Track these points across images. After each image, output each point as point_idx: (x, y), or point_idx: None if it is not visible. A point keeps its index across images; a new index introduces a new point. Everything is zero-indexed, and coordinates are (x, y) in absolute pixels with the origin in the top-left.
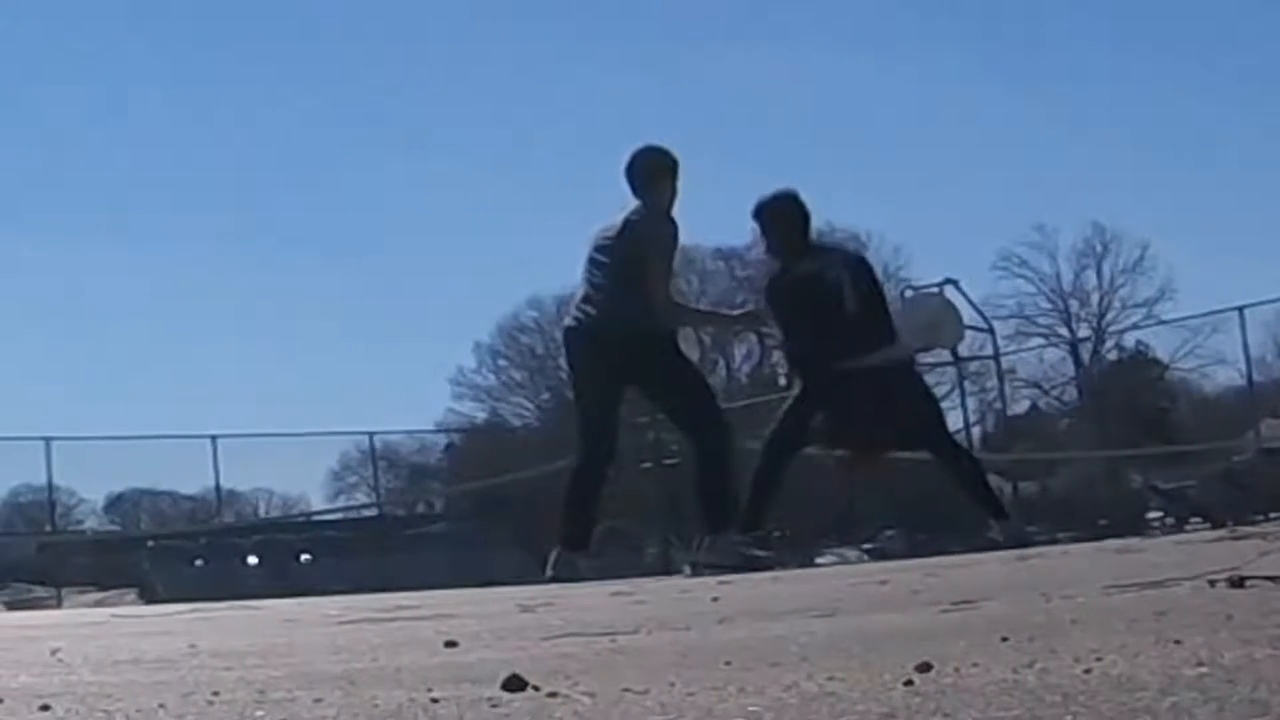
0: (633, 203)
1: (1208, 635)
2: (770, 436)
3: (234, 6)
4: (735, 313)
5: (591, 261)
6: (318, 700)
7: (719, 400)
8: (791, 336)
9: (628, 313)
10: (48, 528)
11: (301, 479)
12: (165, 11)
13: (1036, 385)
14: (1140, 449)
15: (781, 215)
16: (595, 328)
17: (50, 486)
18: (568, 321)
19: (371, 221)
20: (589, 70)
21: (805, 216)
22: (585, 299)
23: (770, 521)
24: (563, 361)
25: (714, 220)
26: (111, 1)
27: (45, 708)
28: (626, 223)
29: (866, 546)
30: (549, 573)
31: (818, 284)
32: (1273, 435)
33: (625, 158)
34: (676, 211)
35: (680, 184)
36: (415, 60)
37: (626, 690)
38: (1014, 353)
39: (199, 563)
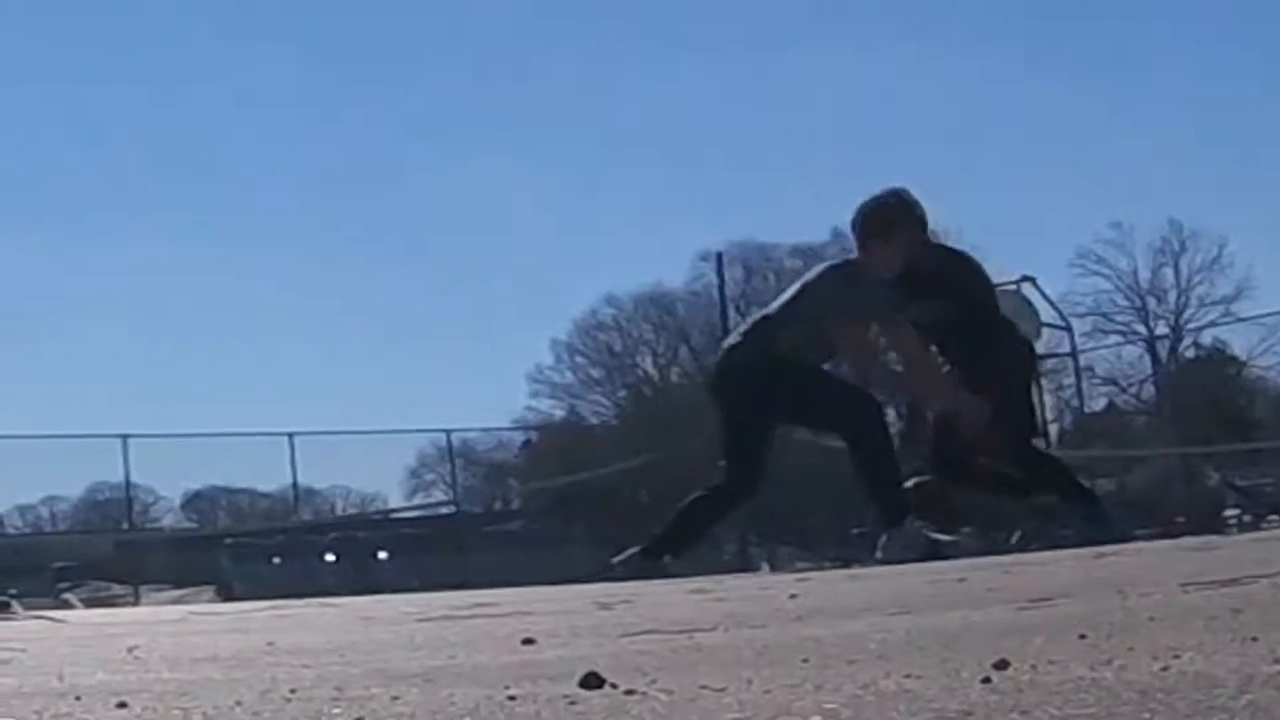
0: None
1: None
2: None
3: (311, 6)
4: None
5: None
6: (395, 698)
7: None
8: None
9: (751, 349)
10: (125, 525)
11: (379, 476)
12: (242, 13)
13: (1114, 383)
14: (1217, 446)
15: (893, 220)
16: (725, 368)
17: (128, 484)
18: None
19: (450, 219)
20: (666, 70)
21: (919, 213)
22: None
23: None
24: (641, 359)
25: (791, 218)
26: (185, 2)
27: (122, 705)
28: (811, 279)
29: (944, 541)
30: (614, 561)
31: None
32: None
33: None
34: (909, 255)
35: (912, 231)
36: (493, 60)
37: (704, 688)
38: (1091, 350)
39: (276, 560)
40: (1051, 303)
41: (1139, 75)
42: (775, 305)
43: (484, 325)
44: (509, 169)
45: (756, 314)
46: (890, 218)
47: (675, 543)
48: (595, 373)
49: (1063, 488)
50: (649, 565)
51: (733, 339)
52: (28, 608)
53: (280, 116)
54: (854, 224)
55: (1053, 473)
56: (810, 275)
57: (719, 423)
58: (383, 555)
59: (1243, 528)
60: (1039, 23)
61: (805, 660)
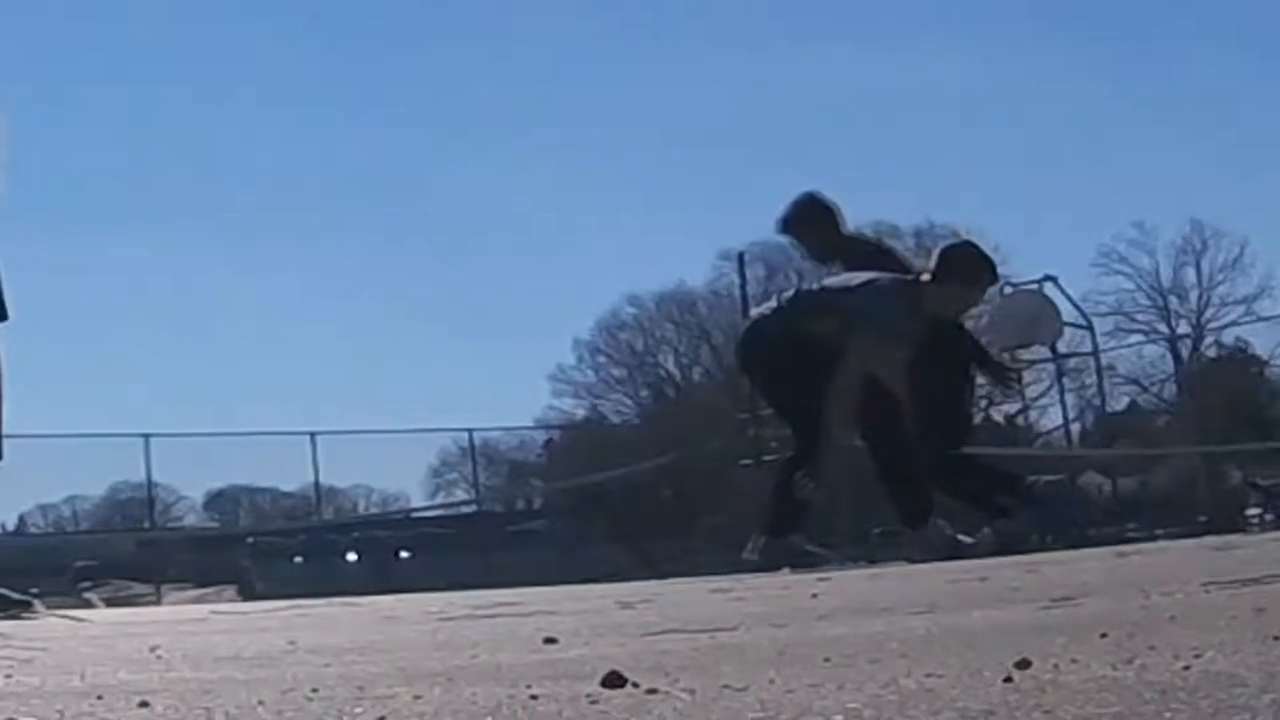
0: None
1: None
2: None
3: (340, 6)
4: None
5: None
6: (417, 697)
7: None
8: None
9: (780, 322)
10: (147, 524)
11: (401, 476)
12: (273, 12)
13: (1135, 382)
14: (1239, 445)
15: (810, 220)
16: (748, 340)
17: (149, 483)
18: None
19: (472, 219)
20: (688, 69)
21: (831, 212)
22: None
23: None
24: (663, 358)
25: None
26: (217, 5)
27: (144, 704)
28: (880, 282)
29: (966, 542)
30: (745, 556)
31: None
32: None
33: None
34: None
35: (987, 288)
36: (516, 60)
37: (726, 687)
38: (1113, 349)
39: (298, 559)
40: (1073, 302)
41: (1162, 75)
42: (822, 284)
43: (506, 324)
44: (530, 168)
45: (794, 289)
46: (980, 271)
47: (791, 518)
48: (617, 372)
49: (982, 496)
50: (783, 547)
51: (761, 310)
52: (50, 607)
53: (301, 116)
54: (944, 258)
55: (974, 480)
56: (880, 278)
57: (757, 392)
58: (405, 554)
59: (1264, 527)
60: (1063, 23)
61: (827, 659)
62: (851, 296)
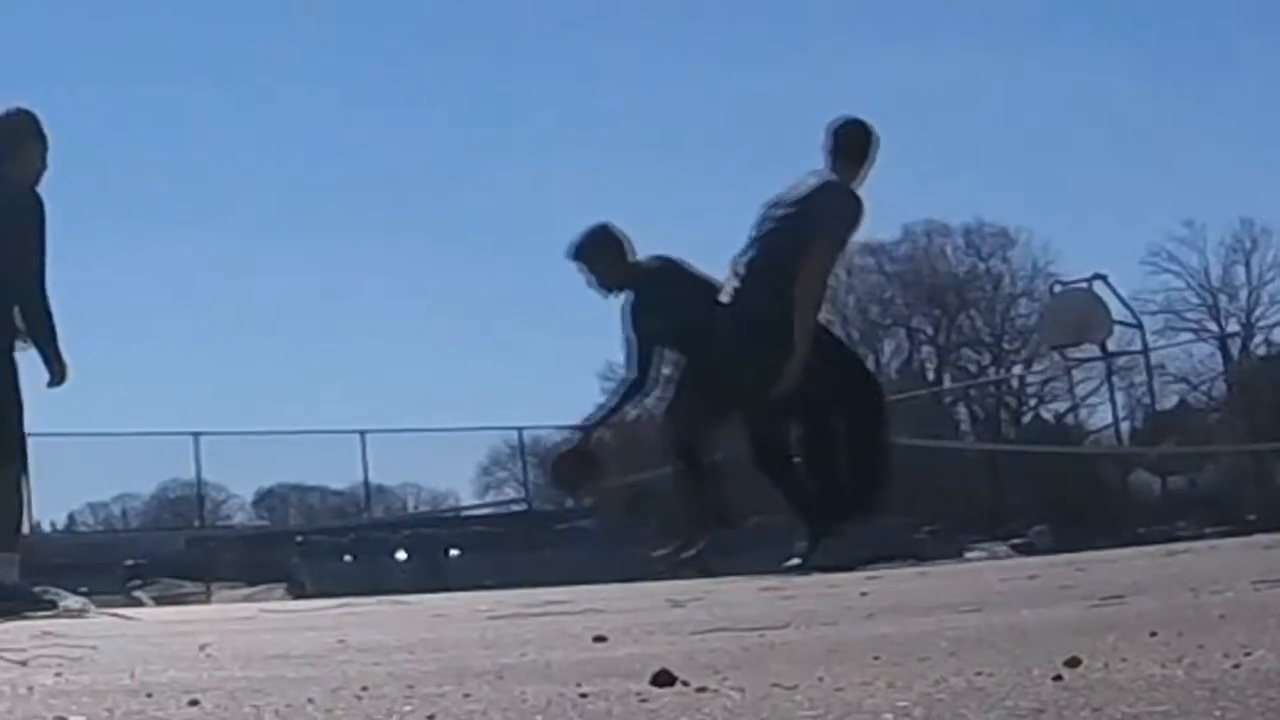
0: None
1: None
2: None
3: (384, 6)
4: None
5: (758, 228)
6: (467, 695)
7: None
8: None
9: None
10: (196, 523)
11: (450, 474)
12: (316, 11)
13: (1185, 380)
14: None
15: (600, 250)
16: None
17: (199, 482)
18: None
19: (520, 216)
20: (732, 68)
21: (620, 244)
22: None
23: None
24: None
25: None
26: (264, 3)
27: (194, 703)
28: (812, 189)
29: (1014, 541)
30: (809, 561)
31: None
32: None
33: (832, 123)
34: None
35: (871, 163)
36: (563, 56)
37: (775, 685)
38: (1163, 348)
39: (347, 558)
40: (1123, 300)
41: (1211, 73)
42: (753, 240)
43: (555, 322)
44: (579, 164)
45: (734, 272)
46: (864, 143)
47: (839, 509)
48: (667, 369)
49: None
50: (848, 548)
51: (725, 297)
52: (99, 605)
53: (351, 115)
54: (838, 138)
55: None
56: (819, 182)
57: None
58: (454, 553)
59: None
60: (1112, 21)
61: (876, 657)
62: (798, 209)
